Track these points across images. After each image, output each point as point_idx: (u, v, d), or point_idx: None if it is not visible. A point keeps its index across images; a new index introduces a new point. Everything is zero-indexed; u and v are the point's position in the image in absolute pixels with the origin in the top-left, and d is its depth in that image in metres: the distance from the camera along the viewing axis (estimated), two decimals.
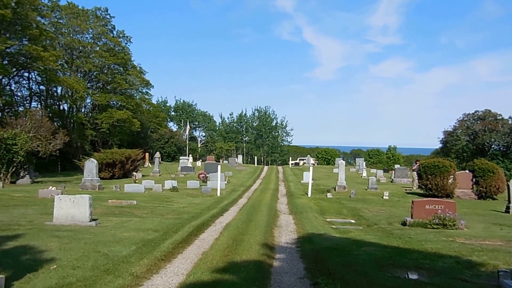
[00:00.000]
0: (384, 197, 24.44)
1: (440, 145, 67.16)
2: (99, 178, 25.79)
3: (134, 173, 30.79)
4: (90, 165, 25.30)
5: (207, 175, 31.83)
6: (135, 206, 17.45)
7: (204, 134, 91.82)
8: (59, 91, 45.69)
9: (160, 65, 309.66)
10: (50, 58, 34.03)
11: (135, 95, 57.50)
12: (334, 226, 14.57)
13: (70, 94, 43.88)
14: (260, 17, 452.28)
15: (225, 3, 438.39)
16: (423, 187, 26.21)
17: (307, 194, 25.69)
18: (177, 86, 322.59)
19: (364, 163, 56.75)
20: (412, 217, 14.85)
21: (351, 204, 21.47)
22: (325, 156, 73.62)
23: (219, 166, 26.19)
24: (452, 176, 25.27)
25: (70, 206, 12.30)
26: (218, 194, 24.49)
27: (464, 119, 54.73)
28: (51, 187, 20.97)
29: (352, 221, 16.31)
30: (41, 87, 45.39)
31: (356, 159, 61.82)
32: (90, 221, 12.36)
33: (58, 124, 45.78)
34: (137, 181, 28.84)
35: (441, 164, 25.44)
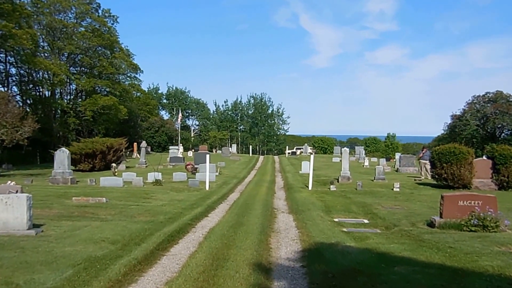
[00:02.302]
0: (395, 189, 21.57)
1: (443, 131, 64.25)
2: (71, 171, 22.75)
3: (113, 164, 27.64)
4: (61, 156, 22.24)
5: (195, 166, 28.81)
6: (103, 204, 14.45)
7: (197, 122, 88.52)
8: (41, 75, 42.10)
9: (153, 51, 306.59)
10: (24, 37, 30.42)
11: (124, 80, 54.04)
12: (345, 229, 11.66)
13: (48, 77, 40.50)
14: (257, 3, 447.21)
15: None
16: (437, 176, 23.30)
17: (308, 187, 22.76)
18: (170, 73, 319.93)
19: (364, 151, 54.00)
20: (441, 216, 11.97)
21: (359, 198, 18.58)
22: (322, 145, 70.93)
23: (207, 156, 23.14)
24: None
25: (1, 210, 9.32)
26: (207, 188, 21.53)
27: (474, 101, 51.23)
28: (9, 181, 17.91)
29: (365, 221, 13.42)
30: (21, 71, 41.86)
31: (356, 147, 59.00)
32: (29, 229, 9.40)
33: (40, 112, 42.66)
34: (116, 174, 25.84)
35: (458, 151, 22.47)
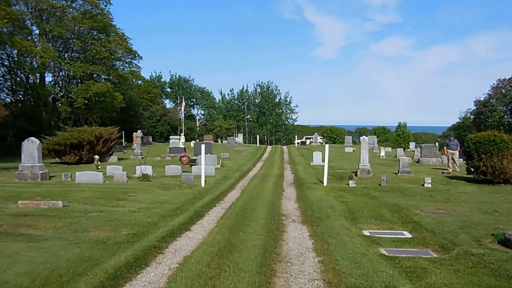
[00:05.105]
0: (426, 185, 17.86)
1: (458, 119, 60.43)
2: (43, 164, 19.11)
3: (96, 156, 23.97)
4: (30, 147, 18.70)
5: (193, 158, 25.25)
6: (54, 211, 10.82)
7: (202, 112, 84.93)
8: (29, 60, 38.45)
9: (156, 40, 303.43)
10: None
11: (122, 67, 50.47)
12: (384, 251, 8.08)
13: (33, 61, 37.02)
14: None
15: None
16: (473, 170, 19.52)
17: (322, 182, 19.12)
18: (174, 63, 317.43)
19: (376, 141, 50.22)
20: None
21: (387, 198, 14.95)
22: (331, 135, 67.91)
23: (203, 146, 19.53)
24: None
25: None
26: (202, 184, 18.00)
27: (499, 85, 46.91)
28: None
29: (407, 233, 9.77)
30: (3, 55, 38.20)
31: (369, 136, 55.37)
32: None
33: (28, 99, 39.35)
34: (100, 167, 22.37)
35: (499, 139, 18.50)
